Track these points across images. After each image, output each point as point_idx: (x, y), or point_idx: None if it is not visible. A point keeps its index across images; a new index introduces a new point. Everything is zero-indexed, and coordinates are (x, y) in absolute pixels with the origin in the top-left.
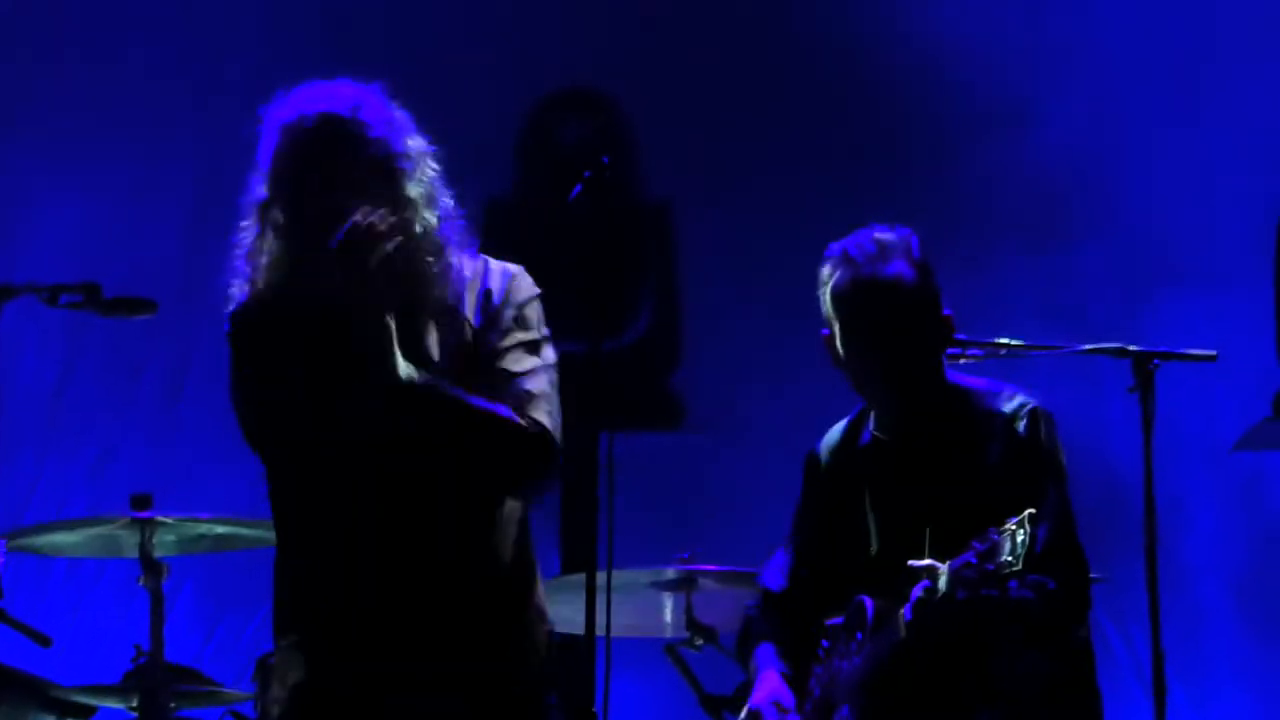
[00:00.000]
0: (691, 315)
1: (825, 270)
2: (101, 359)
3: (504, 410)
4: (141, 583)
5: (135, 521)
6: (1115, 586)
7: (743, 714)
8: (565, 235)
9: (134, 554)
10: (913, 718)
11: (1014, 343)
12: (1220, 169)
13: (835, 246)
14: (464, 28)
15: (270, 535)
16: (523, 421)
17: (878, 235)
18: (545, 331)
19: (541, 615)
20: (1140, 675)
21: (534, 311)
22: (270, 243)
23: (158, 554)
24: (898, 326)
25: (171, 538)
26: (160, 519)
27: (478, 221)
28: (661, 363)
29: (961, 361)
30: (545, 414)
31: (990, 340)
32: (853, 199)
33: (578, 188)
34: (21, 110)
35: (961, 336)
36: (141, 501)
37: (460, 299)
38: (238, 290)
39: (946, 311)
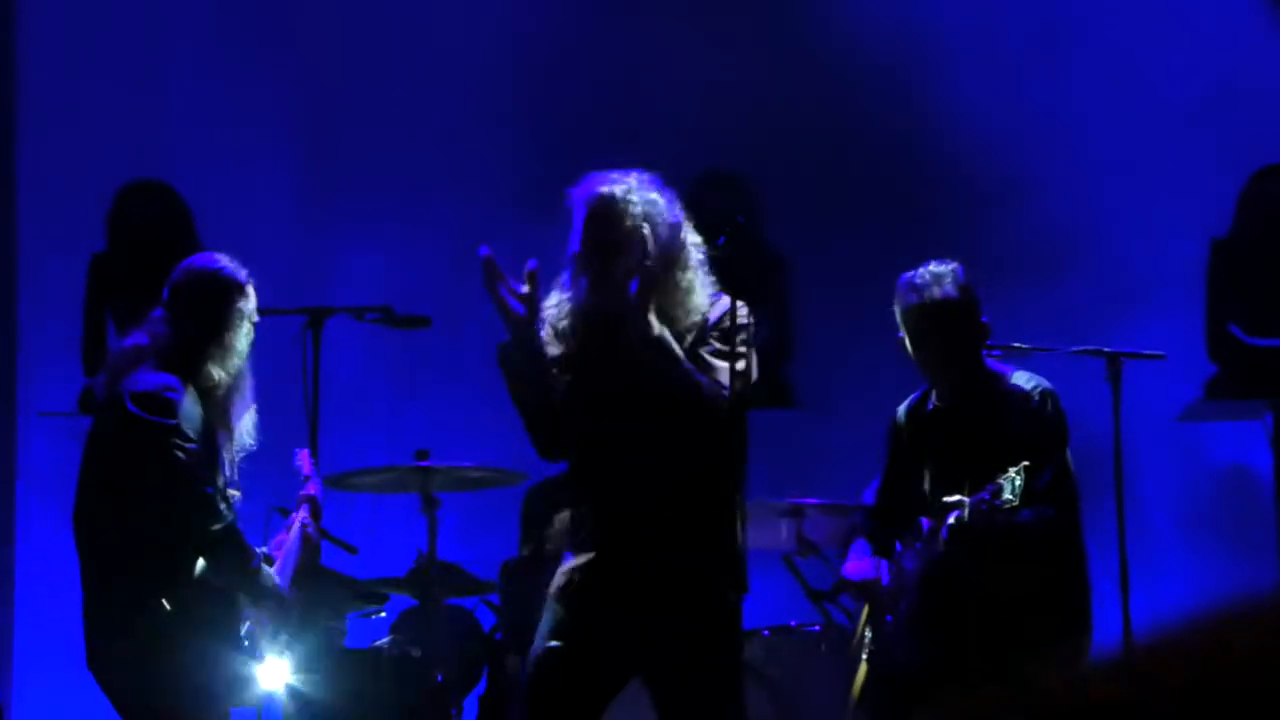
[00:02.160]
0: (800, 328)
1: (898, 293)
2: (394, 358)
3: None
4: (422, 511)
5: (418, 469)
6: (1094, 517)
7: (838, 578)
8: (716, 273)
9: (417, 491)
10: (953, 603)
11: (1024, 346)
12: (1170, 218)
13: (904, 276)
14: (640, 126)
15: (511, 477)
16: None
17: (934, 267)
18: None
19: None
20: (1111, 577)
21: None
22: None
23: (433, 491)
24: (947, 333)
25: (443, 479)
26: (435, 467)
27: None
28: (779, 360)
29: (991, 357)
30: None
31: (1008, 344)
32: (913, 246)
33: (722, 239)
34: (340, 184)
35: (989, 342)
36: (422, 454)
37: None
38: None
39: (985, 319)
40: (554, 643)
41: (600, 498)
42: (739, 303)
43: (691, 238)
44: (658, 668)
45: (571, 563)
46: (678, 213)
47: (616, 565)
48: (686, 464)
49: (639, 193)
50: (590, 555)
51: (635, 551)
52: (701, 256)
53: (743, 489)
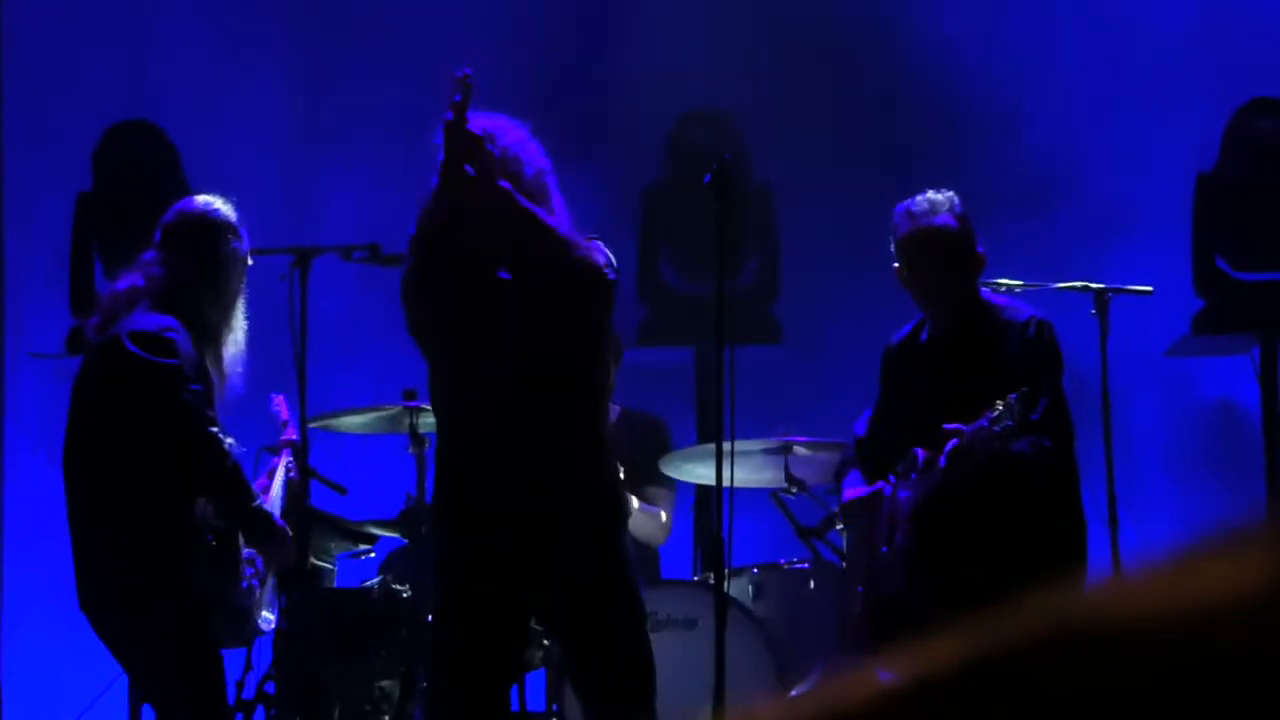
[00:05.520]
0: (787, 262)
1: (894, 221)
2: (381, 298)
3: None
4: (409, 450)
5: (405, 408)
6: (1082, 452)
7: (839, 506)
8: (700, 211)
9: (404, 431)
10: (948, 533)
11: (1011, 282)
12: (1157, 152)
13: (901, 205)
14: (623, 62)
15: None
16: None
17: (930, 195)
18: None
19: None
20: (1099, 511)
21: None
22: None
23: (421, 430)
24: (945, 260)
25: (431, 419)
26: (423, 406)
27: (636, 204)
28: (766, 296)
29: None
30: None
31: (994, 280)
32: (900, 180)
33: (708, 176)
34: (322, 120)
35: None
36: (410, 394)
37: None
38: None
39: (980, 249)
40: (453, 600)
41: (464, 416)
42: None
43: (556, 190)
44: (552, 605)
45: (449, 504)
46: (544, 160)
47: (489, 502)
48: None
49: (505, 130)
50: (464, 492)
51: (504, 484)
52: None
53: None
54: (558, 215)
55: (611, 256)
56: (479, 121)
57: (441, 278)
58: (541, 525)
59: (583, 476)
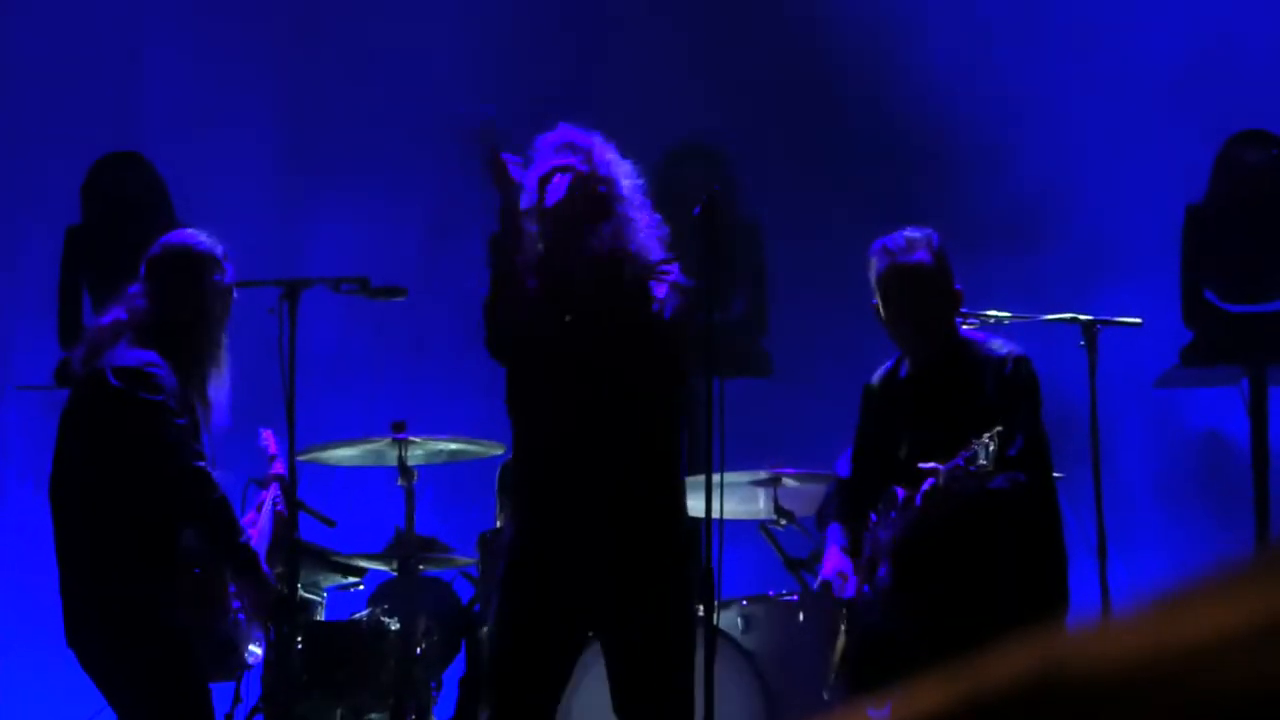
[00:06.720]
0: (776, 295)
1: (871, 259)
2: (370, 330)
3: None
4: (399, 483)
5: (394, 440)
6: (1071, 484)
7: (818, 584)
8: (689, 243)
9: (393, 463)
10: (928, 570)
11: (999, 314)
12: (1145, 184)
13: (878, 242)
14: (613, 97)
15: (488, 448)
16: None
17: (907, 233)
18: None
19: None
20: (1088, 546)
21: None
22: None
23: (410, 463)
24: (921, 297)
25: (420, 452)
26: (412, 439)
27: None
28: (755, 329)
29: (965, 326)
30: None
31: (982, 312)
32: (888, 214)
33: (697, 209)
34: (316, 155)
35: (963, 309)
36: (399, 426)
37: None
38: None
39: (958, 286)
40: (508, 615)
41: (535, 438)
42: (677, 267)
43: (648, 208)
44: (610, 630)
45: (517, 523)
46: (634, 176)
47: (555, 524)
48: (624, 396)
49: (597, 148)
50: (531, 513)
51: (571, 507)
52: (658, 226)
53: (680, 439)
54: (645, 233)
55: (677, 286)
56: (572, 135)
57: (517, 302)
58: (593, 548)
59: (638, 496)
